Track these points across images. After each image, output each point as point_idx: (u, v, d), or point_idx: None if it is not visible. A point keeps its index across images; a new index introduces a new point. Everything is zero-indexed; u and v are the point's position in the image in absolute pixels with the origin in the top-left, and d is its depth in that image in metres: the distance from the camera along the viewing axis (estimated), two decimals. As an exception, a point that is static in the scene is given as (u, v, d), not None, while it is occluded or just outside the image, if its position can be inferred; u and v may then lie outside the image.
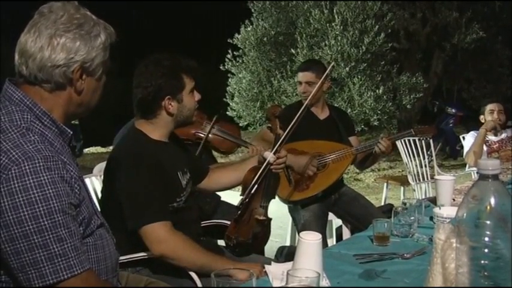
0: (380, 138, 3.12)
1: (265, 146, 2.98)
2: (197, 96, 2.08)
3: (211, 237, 2.54)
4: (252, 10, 8.58)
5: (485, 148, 4.25)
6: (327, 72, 2.97)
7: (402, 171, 5.60)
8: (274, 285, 1.51)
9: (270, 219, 2.31)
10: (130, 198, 1.90)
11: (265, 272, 1.70)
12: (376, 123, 7.83)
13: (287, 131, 2.35)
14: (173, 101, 2.00)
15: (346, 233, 3.37)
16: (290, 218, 3.53)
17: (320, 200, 3.17)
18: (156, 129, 2.03)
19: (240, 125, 8.59)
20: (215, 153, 3.35)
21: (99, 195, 2.46)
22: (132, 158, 1.95)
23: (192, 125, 2.40)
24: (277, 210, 4.02)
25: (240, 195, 2.24)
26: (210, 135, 2.99)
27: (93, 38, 1.35)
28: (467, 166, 4.43)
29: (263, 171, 2.19)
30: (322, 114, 3.36)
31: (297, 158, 3.08)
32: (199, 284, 1.90)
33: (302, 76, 3.26)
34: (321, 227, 3.10)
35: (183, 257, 1.87)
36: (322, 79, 2.96)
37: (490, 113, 4.29)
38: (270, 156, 2.20)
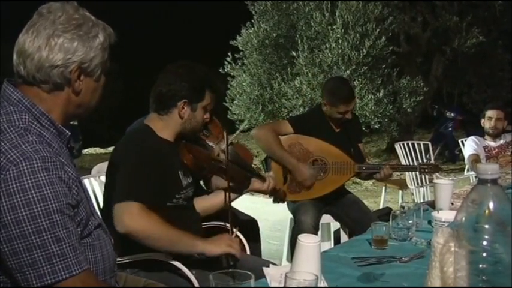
0: (384, 166, 3.10)
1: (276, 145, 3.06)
2: (207, 115, 2.17)
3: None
4: (253, 12, 8.58)
5: (484, 153, 4.27)
6: None
7: (401, 174, 5.60)
8: (272, 288, 1.51)
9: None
10: (122, 179, 1.92)
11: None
12: (376, 126, 7.83)
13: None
14: (188, 107, 2.09)
15: (344, 237, 3.36)
16: (288, 221, 3.52)
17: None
18: (165, 128, 2.10)
19: (241, 128, 8.54)
20: None
21: (98, 196, 2.47)
22: (135, 150, 2.00)
23: (207, 137, 2.35)
24: (276, 214, 4.01)
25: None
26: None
27: (91, 39, 1.35)
28: (466, 170, 4.42)
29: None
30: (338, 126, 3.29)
31: (301, 166, 3.07)
32: (197, 285, 1.90)
33: (349, 105, 3.16)
34: (317, 210, 3.11)
35: (152, 232, 1.85)
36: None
37: (488, 120, 4.33)
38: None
